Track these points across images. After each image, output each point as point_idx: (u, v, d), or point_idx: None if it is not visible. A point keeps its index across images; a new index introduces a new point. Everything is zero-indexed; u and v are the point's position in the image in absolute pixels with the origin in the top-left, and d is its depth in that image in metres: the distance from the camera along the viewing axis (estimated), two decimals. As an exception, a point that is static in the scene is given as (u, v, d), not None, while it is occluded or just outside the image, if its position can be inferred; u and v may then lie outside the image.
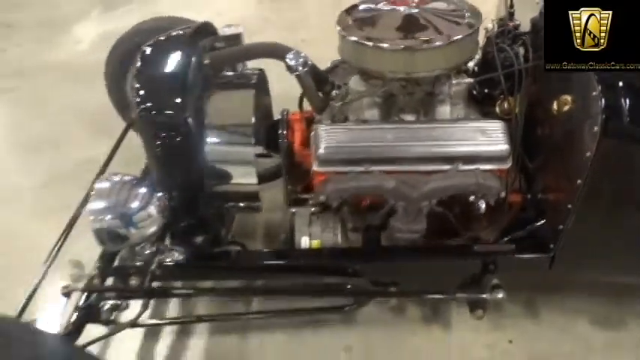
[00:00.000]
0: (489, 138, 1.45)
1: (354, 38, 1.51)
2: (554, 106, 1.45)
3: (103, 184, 1.47)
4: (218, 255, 1.66)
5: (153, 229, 1.47)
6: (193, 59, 1.53)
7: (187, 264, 1.56)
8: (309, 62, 1.48)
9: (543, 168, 1.58)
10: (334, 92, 1.58)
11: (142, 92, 1.48)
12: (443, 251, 1.62)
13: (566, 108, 1.42)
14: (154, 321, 1.79)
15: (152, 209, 1.45)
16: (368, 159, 1.46)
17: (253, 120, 1.56)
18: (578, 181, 1.33)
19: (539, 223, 1.55)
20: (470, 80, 1.58)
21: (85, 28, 4.01)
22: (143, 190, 1.47)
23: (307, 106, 1.69)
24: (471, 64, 1.68)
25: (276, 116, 1.71)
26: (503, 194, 1.48)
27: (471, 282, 1.54)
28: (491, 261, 1.53)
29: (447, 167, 1.45)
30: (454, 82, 1.57)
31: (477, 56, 1.65)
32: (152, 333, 1.81)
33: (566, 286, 1.80)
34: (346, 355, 1.72)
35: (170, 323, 1.84)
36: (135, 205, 1.43)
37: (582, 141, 1.31)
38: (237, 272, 1.69)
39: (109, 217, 1.40)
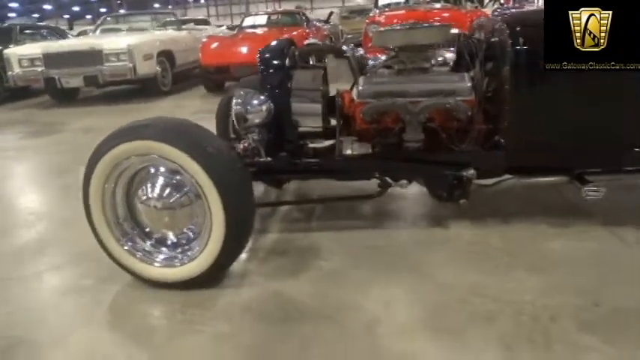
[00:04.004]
0: (460, 81, 2.37)
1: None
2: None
3: (241, 91, 2.39)
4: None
5: (258, 120, 2.34)
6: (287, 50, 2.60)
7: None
8: (356, 54, 2.62)
9: (493, 100, 2.39)
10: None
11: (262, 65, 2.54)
12: (438, 152, 2.38)
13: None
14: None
15: (262, 108, 2.34)
16: (387, 92, 2.37)
17: (321, 87, 2.53)
18: (506, 87, 2.20)
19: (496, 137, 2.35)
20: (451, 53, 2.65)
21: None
22: (262, 98, 2.36)
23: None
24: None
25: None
26: (469, 113, 2.29)
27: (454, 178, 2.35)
28: (468, 159, 2.32)
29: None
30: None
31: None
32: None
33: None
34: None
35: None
36: (255, 102, 2.34)
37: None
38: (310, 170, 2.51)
39: (242, 106, 2.32)
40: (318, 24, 10.82)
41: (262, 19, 9.68)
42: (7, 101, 8.67)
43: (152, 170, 2.08)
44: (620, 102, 2.13)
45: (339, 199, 2.84)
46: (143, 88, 8.20)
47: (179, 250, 2.09)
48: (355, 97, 2.45)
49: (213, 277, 2.06)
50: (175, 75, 8.65)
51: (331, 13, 14.25)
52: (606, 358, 1.56)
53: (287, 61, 2.56)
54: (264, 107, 2.36)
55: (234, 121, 2.39)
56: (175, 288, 2.06)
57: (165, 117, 2.10)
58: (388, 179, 2.42)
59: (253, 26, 9.38)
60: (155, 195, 2.03)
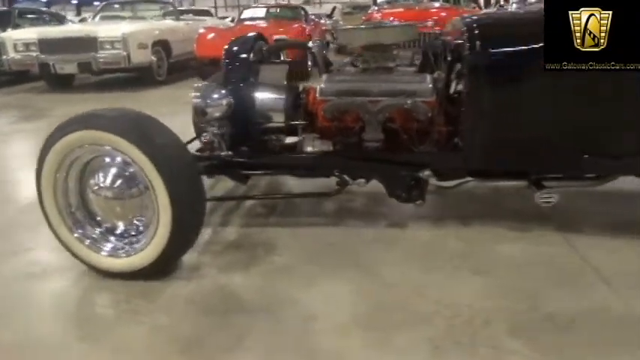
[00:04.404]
0: (421, 82, 2.41)
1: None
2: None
3: (201, 84, 2.46)
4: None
5: (218, 114, 2.36)
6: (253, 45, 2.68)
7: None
8: (321, 46, 2.69)
9: (455, 102, 2.41)
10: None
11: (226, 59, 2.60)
12: (397, 152, 2.41)
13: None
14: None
15: (222, 102, 2.37)
16: (348, 90, 2.41)
17: (285, 82, 2.56)
18: (464, 90, 2.23)
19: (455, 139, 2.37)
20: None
21: None
22: (222, 92, 2.40)
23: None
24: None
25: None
26: (429, 114, 2.32)
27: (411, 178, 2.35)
28: (426, 160, 2.36)
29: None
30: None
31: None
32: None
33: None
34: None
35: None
36: (215, 96, 2.37)
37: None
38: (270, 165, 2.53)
39: (201, 100, 2.34)
40: (317, 19, 10.80)
41: (261, 12, 9.70)
42: (4, 85, 8.72)
43: (107, 160, 2.10)
44: (575, 108, 2.13)
45: (295, 196, 2.88)
46: (138, 77, 8.23)
47: (126, 241, 2.11)
48: (317, 95, 2.47)
49: (160, 270, 2.08)
50: (171, 65, 8.67)
51: (334, 8, 14.21)
52: (529, 363, 1.58)
53: (252, 55, 2.57)
54: (224, 101, 2.38)
55: (194, 115, 2.41)
56: (122, 278, 2.08)
57: (121, 108, 2.12)
58: (346, 177, 2.43)
59: (252, 19, 9.38)
60: (106, 185, 2.05)
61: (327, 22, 11.78)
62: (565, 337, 1.68)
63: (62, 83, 8.41)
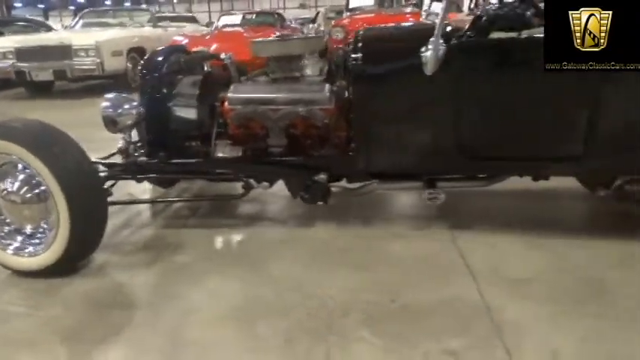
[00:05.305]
0: (319, 90, 2.53)
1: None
2: None
3: (110, 95, 2.62)
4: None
5: (130, 122, 2.56)
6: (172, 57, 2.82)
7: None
8: (233, 60, 2.83)
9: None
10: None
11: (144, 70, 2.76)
12: (298, 157, 2.55)
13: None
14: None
15: (133, 112, 2.56)
16: (253, 99, 2.56)
17: (198, 92, 2.71)
18: (352, 97, 2.42)
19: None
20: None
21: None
22: (133, 103, 2.60)
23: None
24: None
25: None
26: (326, 121, 2.48)
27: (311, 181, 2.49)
28: (326, 163, 2.52)
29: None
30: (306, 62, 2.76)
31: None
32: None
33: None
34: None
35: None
36: (125, 105, 2.56)
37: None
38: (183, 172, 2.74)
39: (111, 109, 2.54)
40: (297, 25, 10.99)
41: (237, 19, 9.87)
42: (-16, 92, 8.92)
43: (18, 167, 2.24)
44: (451, 112, 2.26)
45: (204, 199, 3.12)
46: (116, 83, 8.41)
47: (30, 241, 2.27)
48: (226, 104, 2.63)
49: (63, 270, 2.24)
50: (147, 71, 8.81)
51: (317, 13, 14.36)
52: (372, 349, 1.73)
53: (166, 66, 2.73)
54: (134, 111, 2.54)
55: (104, 124, 2.57)
56: (27, 276, 2.24)
57: (28, 119, 2.28)
58: (252, 181, 2.59)
59: (227, 25, 9.56)
60: (13, 189, 2.21)
61: (310, 26, 11.98)
62: (411, 325, 1.83)
63: (41, 90, 8.60)
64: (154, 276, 2.27)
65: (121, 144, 2.60)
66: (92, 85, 9.08)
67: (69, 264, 2.25)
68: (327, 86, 2.56)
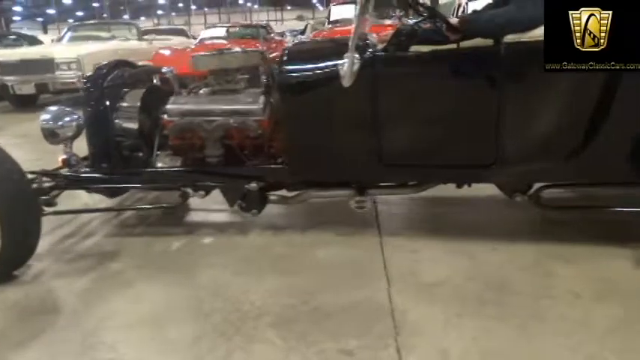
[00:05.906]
0: (252, 102, 2.62)
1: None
2: None
3: (52, 107, 2.74)
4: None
5: (70, 134, 2.68)
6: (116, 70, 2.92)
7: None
8: (174, 73, 2.87)
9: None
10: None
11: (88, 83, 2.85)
12: (232, 166, 2.65)
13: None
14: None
15: (73, 124, 2.68)
16: (190, 111, 2.67)
17: (139, 104, 2.80)
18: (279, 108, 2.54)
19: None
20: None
21: None
22: (74, 116, 2.69)
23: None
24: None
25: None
26: (259, 131, 2.58)
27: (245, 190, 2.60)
28: (258, 173, 2.59)
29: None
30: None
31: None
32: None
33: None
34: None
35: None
36: (66, 118, 2.67)
37: None
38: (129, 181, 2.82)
39: (51, 122, 2.66)
40: (283, 37, 11.12)
41: (221, 32, 10.01)
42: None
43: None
44: (367, 123, 2.33)
45: (141, 209, 3.24)
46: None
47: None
48: (165, 116, 2.72)
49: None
50: (131, 84, 8.94)
51: (307, 25, 14.52)
52: (272, 348, 1.81)
53: (110, 80, 2.82)
54: (74, 123, 2.64)
55: (43, 136, 2.66)
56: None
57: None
58: (188, 190, 2.68)
59: (212, 38, 9.70)
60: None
61: (301, 37, 12.13)
62: (316, 325, 1.91)
63: (25, 103, 8.71)
64: (85, 283, 2.35)
65: (64, 155, 2.69)
66: (76, 97, 9.18)
67: (2, 273, 2.33)
68: (262, 98, 2.65)
